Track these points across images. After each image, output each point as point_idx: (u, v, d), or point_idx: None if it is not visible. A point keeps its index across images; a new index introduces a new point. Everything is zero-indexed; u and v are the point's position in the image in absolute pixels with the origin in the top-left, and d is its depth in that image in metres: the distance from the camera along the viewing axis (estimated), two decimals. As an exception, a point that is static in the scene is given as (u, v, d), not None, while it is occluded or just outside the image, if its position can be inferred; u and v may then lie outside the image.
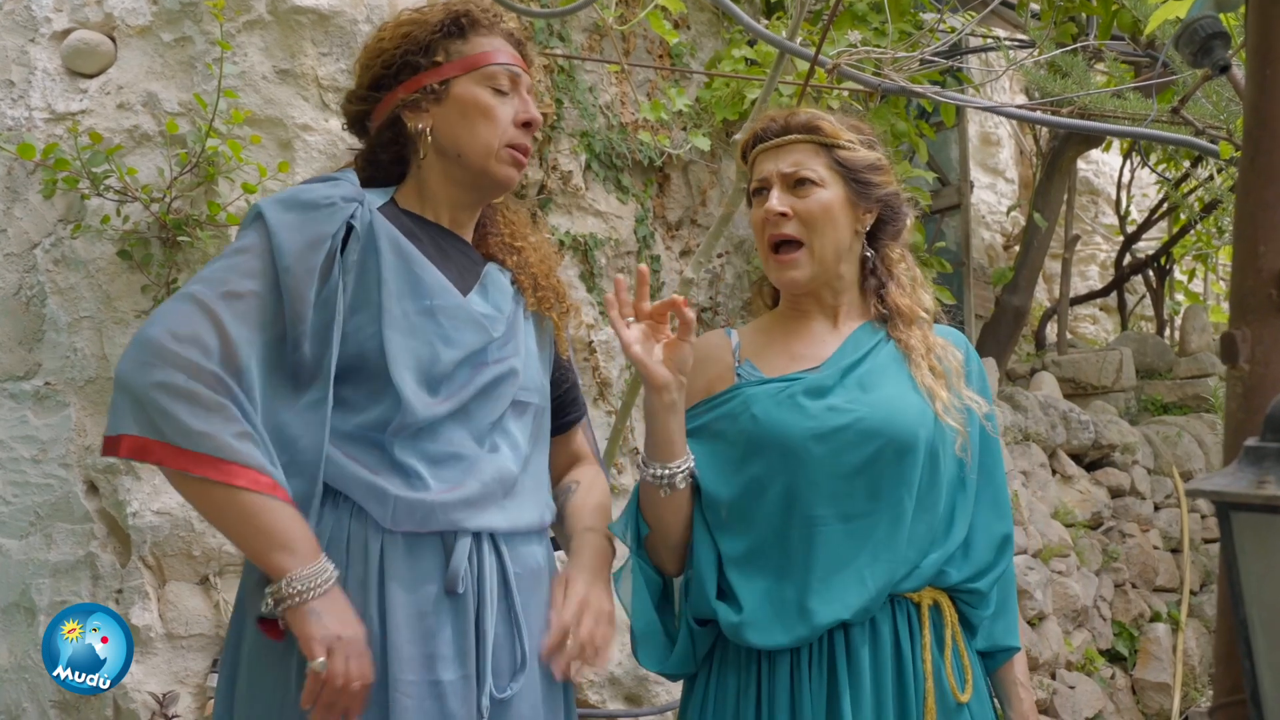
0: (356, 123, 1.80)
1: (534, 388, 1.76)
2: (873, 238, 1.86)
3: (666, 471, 1.71)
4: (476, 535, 1.62)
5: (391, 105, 1.73)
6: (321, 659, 1.46)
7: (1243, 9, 1.45)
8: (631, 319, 1.68)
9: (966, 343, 1.91)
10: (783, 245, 1.79)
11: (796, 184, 1.79)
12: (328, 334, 1.60)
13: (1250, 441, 1.08)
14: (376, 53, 1.74)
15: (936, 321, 1.90)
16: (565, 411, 1.90)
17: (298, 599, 1.48)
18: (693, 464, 1.74)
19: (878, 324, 1.85)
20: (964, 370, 1.84)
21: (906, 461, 1.71)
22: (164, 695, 2.94)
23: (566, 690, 1.76)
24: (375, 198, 1.74)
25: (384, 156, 1.77)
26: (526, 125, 1.73)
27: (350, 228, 1.64)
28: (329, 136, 3.21)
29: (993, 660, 1.85)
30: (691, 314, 1.65)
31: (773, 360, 1.82)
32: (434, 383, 1.64)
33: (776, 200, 1.78)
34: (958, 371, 1.82)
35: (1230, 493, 1.06)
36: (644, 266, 1.67)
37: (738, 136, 3.29)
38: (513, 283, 1.80)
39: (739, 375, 1.82)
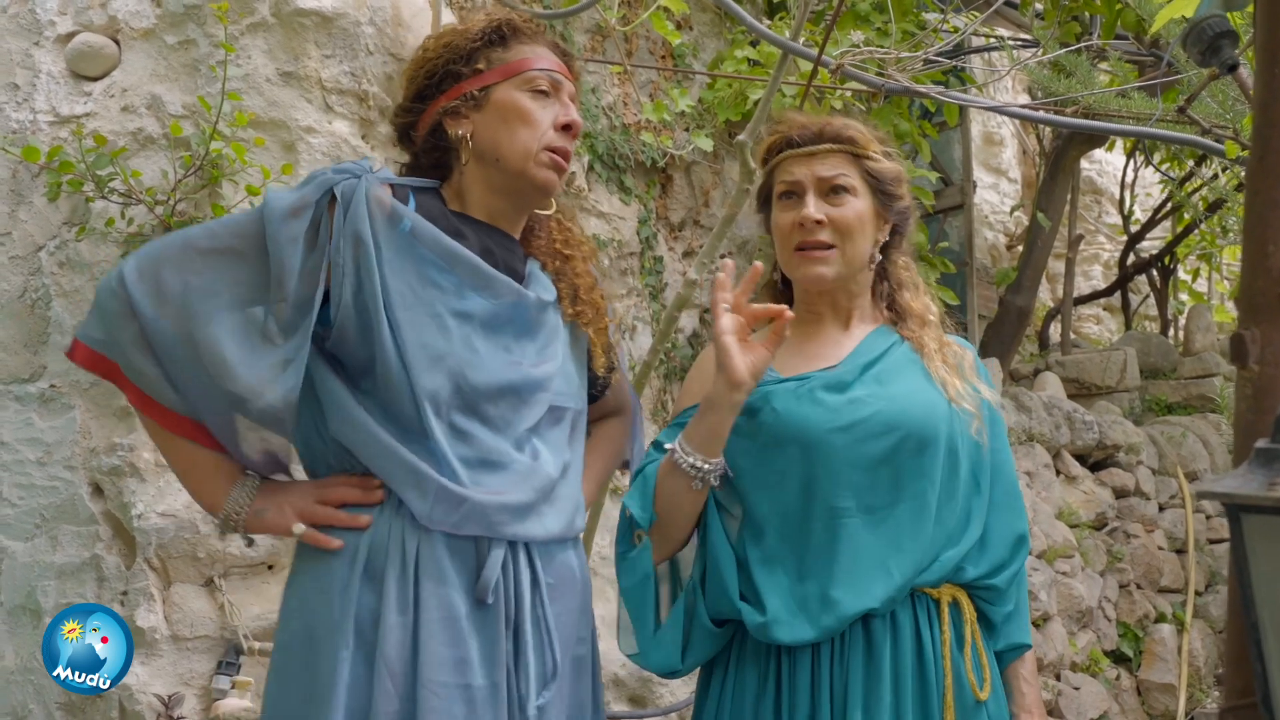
0: (404, 136, 1.82)
1: (571, 392, 1.77)
2: (884, 247, 1.88)
3: (708, 465, 1.71)
4: (511, 544, 1.64)
5: (434, 114, 1.74)
6: (298, 525, 1.63)
7: (1250, 7, 1.45)
8: (728, 306, 1.68)
9: (973, 349, 1.96)
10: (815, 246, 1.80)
11: (832, 190, 1.80)
12: (308, 305, 1.63)
13: (1260, 443, 1.08)
14: (420, 63, 1.76)
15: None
16: (592, 383, 1.91)
17: (241, 516, 1.67)
18: (726, 468, 1.74)
19: (890, 327, 1.87)
20: (972, 367, 1.88)
21: (928, 453, 1.73)
22: (169, 697, 2.94)
23: (596, 695, 1.78)
24: (415, 186, 1.75)
25: (425, 161, 1.78)
26: (567, 128, 1.73)
27: (334, 197, 1.64)
28: (333, 139, 3.21)
29: (1004, 658, 1.86)
30: (788, 332, 1.65)
31: (788, 361, 1.83)
32: (456, 369, 1.63)
33: (814, 207, 1.78)
34: (970, 365, 1.86)
35: (1240, 495, 1.05)
36: (759, 264, 1.67)
37: (741, 137, 3.29)
38: (553, 284, 1.80)
39: None
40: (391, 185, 1.72)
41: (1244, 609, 1.09)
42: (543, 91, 1.72)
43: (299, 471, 1.81)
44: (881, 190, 1.83)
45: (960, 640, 1.74)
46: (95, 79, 3.23)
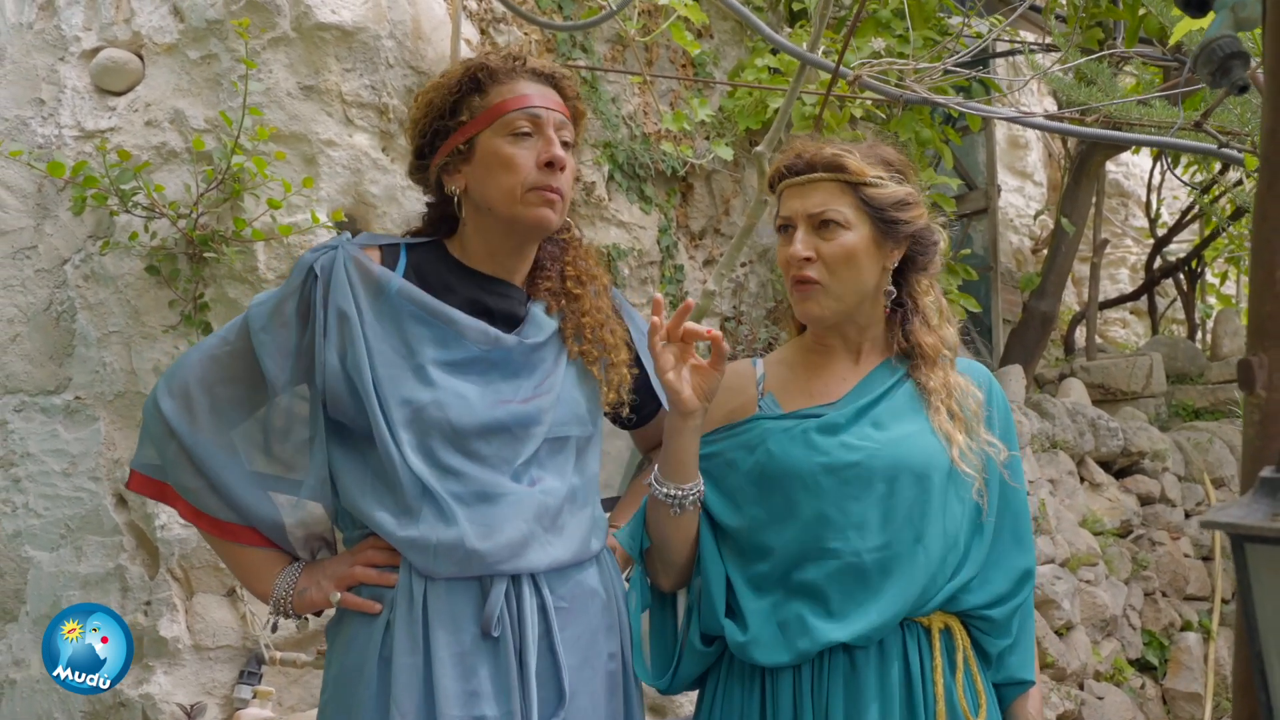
0: (426, 188, 1.86)
1: (571, 420, 1.78)
2: (901, 271, 1.83)
3: (679, 492, 1.74)
4: (515, 576, 1.67)
5: (435, 170, 1.77)
6: (334, 595, 1.72)
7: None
8: (665, 343, 1.71)
9: (990, 379, 1.90)
10: (803, 284, 1.79)
11: (821, 225, 1.76)
12: (312, 376, 1.71)
13: (1266, 472, 1.07)
14: (412, 123, 1.80)
15: (964, 336, 1.90)
16: (634, 411, 1.91)
17: (291, 601, 1.76)
18: (703, 488, 1.77)
19: (897, 361, 1.84)
20: (983, 412, 1.82)
21: (919, 497, 1.72)
22: (191, 706, 2.97)
23: (630, 708, 1.79)
24: (409, 244, 1.80)
25: (434, 215, 1.83)
26: (549, 165, 1.73)
27: (315, 275, 1.72)
28: (353, 152, 3.23)
29: (1006, 693, 1.84)
30: (727, 347, 1.69)
31: (792, 396, 1.83)
32: (440, 415, 1.68)
33: (801, 244, 1.76)
34: (977, 414, 1.81)
35: (1244, 525, 1.05)
36: (690, 300, 1.71)
37: (760, 148, 3.29)
38: (559, 328, 1.81)
39: (760, 407, 1.83)
40: (381, 247, 1.78)
41: (1248, 638, 1.08)
42: (524, 133, 1.73)
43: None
44: (881, 218, 1.77)
45: (952, 665, 1.73)
46: (119, 94, 3.27)
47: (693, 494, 1.74)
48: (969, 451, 1.75)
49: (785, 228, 1.81)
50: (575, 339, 1.81)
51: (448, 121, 1.75)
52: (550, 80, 1.78)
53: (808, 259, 1.76)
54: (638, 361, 1.88)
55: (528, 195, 1.72)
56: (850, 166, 1.77)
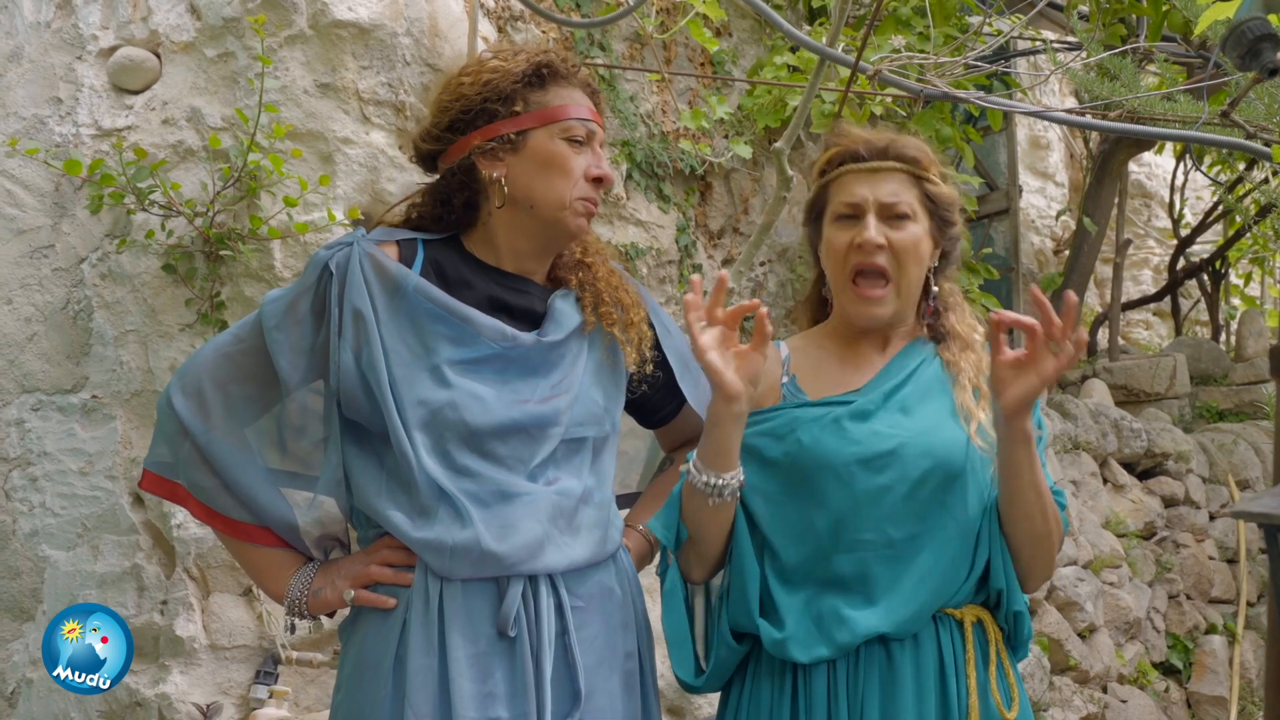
0: (426, 160, 1.82)
1: (588, 420, 1.76)
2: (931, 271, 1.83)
3: (720, 481, 1.67)
4: (532, 577, 1.65)
5: (466, 150, 1.73)
6: (348, 592, 1.71)
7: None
8: (705, 323, 1.64)
9: None
10: (868, 277, 1.75)
11: (892, 215, 1.75)
12: (327, 375, 1.70)
13: (1300, 462, 1.04)
14: (456, 96, 1.75)
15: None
16: (657, 409, 1.91)
17: (305, 601, 1.75)
18: (743, 477, 1.71)
19: (925, 342, 1.83)
20: None
21: (950, 484, 1.70)
22: (208, 706, 2.96)
23: (648, 707, 1.78)
24: (426, 239, 1.77)
25: (456, 200, 1.77)
26: (598, 181, 1.74)
27: (330, 272, 1.69)
28: (370, 150, 3.22)
29: None
30: (770, 328, 1.61)
31: (818, 382, 1.80)
32: (456, 416, 1.66)
33: (874, 230, 1.73)
34: None
35: (1277, 515, 1.02)
36: (725, 273, 1.64)
37: (778, 144, 3.27)
38: (577, 300, 1.80)
39: (784, 393, 1.80)
40: (399, 242, 1.75)
41: (1283, 633, 1.05)
42: (578, 141, 1.73)
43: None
44: (938, 215, 1.79)
45: (985, 659, 1.72)
46: (136, 92, 3.27)
47: (733, 483, 1.68)
48: (988, 429, 1.73)
49: (847, 216, 1.78)
50: (594, 308, 1.79)
51: (499, 106, 1.72)
52: (594, 96, 1.79)
53: (881, 246, 1.73)
54: (653, 326, 1.86)
55: (575, 203, 1.73)
56: (921, 160, 1.77)
